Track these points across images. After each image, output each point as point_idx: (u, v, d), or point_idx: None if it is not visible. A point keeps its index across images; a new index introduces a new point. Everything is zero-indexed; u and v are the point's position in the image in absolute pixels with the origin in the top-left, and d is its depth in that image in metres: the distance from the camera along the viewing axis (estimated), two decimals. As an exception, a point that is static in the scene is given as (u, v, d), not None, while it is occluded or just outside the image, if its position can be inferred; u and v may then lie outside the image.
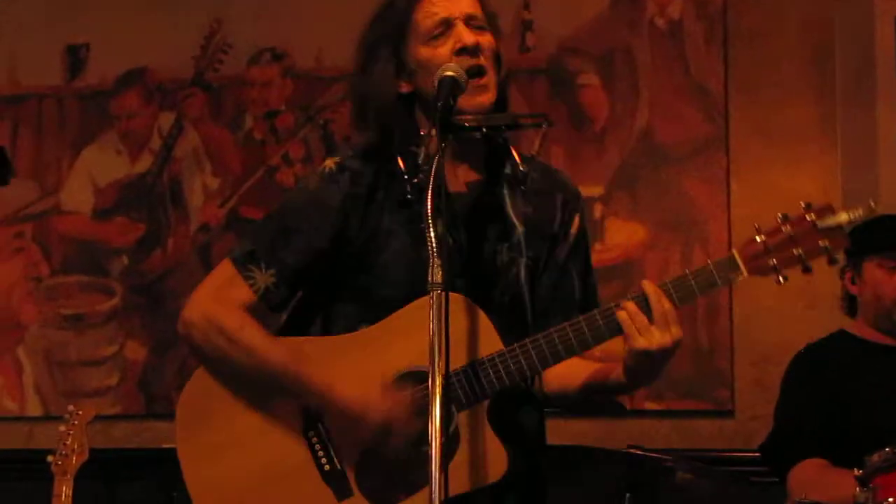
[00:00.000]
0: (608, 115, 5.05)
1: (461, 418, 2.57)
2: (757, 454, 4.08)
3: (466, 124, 2.56)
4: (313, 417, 2.65)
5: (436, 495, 2.21)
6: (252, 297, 2.68)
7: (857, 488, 3.36)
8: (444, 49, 2.64)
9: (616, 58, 5.07)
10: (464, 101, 2.57)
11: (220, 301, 2.69)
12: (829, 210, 2.55)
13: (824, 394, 3.89)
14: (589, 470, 4.16)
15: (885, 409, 3.81)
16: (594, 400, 2.90)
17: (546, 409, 2.83)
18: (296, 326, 2.77)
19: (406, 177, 2.64)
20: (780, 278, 2.55)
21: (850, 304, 4.08)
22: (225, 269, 2.72)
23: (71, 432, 3.98)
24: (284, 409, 2.67)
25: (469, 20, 2.66)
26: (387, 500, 2.61)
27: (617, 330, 2.54)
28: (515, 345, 2.56)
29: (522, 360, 2.56)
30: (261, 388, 2.67)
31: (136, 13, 5.40)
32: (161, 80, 5.40)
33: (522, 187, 2.74)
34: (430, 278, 2.30)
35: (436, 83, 2.53)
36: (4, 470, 5.13)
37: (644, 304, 2.53)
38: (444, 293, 2.29)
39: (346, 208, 2.68)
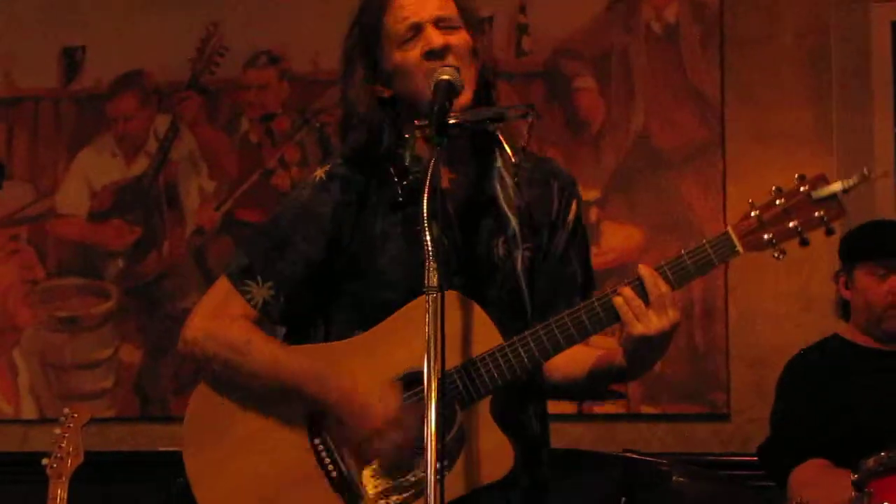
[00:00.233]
0: (604, 118, 5.05)
1: (464, 416, 2.57)
2: (753, 457, 4.08)
3: (450, 122, 2.55)
4: (318, 425, 2.66)
5: (431, 498, 2.21)
6: (251, 311, 2.70)
7: (853, 492, 3.37)
8: (415, 52, 2.65)
9: (612, 61, 5.08)
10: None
11: (220, 317, 2.71)
12: (822, 180, 2.51)
13: (819, 398, 3.89)
14: (585, 474, 4.15)
15: (878, 413, 3.82)
16: (599, 388, 2.87)
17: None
18: (298, 335, 2.77)
19: (396, 180, 2.64)
20: (777, 253, 2.52)
21: (844, 309, 4.09)
22: (222, 286, 2.75)
23: (66, 435, 3.98)
24: (289, 418, 2.67)
25: (438, 22, 2.66)
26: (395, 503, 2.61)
27: (615, 317, 2.53)
28: (515, 338, 2.56)
29: (522, 353, 2.55)
30: (265, 396, 2.68)
31: (133, 16, 5.39)
32: (157, 83, 5.40)
33: (515, 179, 2.73)
34: (425, 282, 2.31)
35: (432, 86, 2.54)
36: (-1, 472, 5.13)
37: (640, 289, 2.51)
38: (439, 296, 2.30)
39: (337, 216, 2.69)
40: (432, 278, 2.31)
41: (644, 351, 2.56)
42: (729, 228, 2.52)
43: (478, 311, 2.58)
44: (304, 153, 5.27)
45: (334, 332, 2.72)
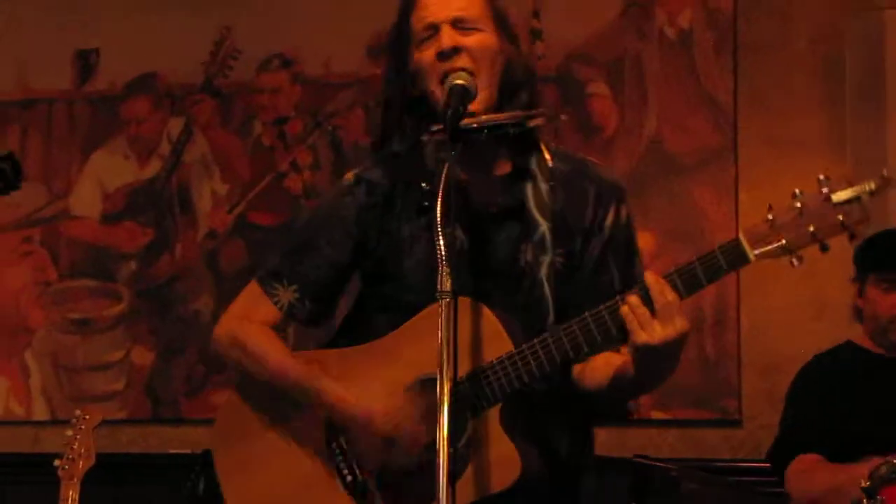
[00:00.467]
0: (617, 123, 5.05)
1: (474, 424, 2.56)
2: (764, 464, 4.07)
3: (471, 125, 2.54)
4: (335, 429, 2.68)
5: (443, 501, 2.21)
6: (277, 313, 2.76)
7: (865, 500, 3.36)
8: (430, 53, 2.65)
9: (625, 67, 5.07)
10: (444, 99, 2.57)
11: (245, 318, 2.78)
12: (844, 183, 2.36)
13: (829, 403, 3.89)
14: (596, 479, 4.15)
15: (889, 420, 3.81)
16: (621, 398, 2.81)
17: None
18: (347, 337, 2.80)
19: (423, 184, 2.63)
20: (794, 260, 2.37)
21: (859, 314, 4.09)
22: (251, 289, 2.81)
23: (77, 437, 3.98)
24: (309, 421, 2.70)
25: (457, 23, 2.64)
26: None
27: (622, 324, 2.47)
28: (524, 345, 2.54)
29: (531, 361, 2.52)
30: (284, 402, 2.72)
31: (147, 19, 5.41)
32: (170, 86, 5.41)
33: (551, 182, 2.69)
34: (438, 286, 2.31)
35: (446, 91, 2.54)
36: (11, 474, 5.13)
37: (647, 297, 2.44)
38: (452, 301, 2.30)
39: (361, 220, 2.71)
40: (445, 283, 2.31)
41: (649, 361, 2.49)
42: (740, 234, 2.41)
43: (489, 317, 2.57)
44: (316, 156, 5.27)
45: (372, 333, 2.73)
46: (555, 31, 5.12)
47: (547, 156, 2.73)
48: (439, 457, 2.24)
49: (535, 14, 5.12)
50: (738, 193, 4.93)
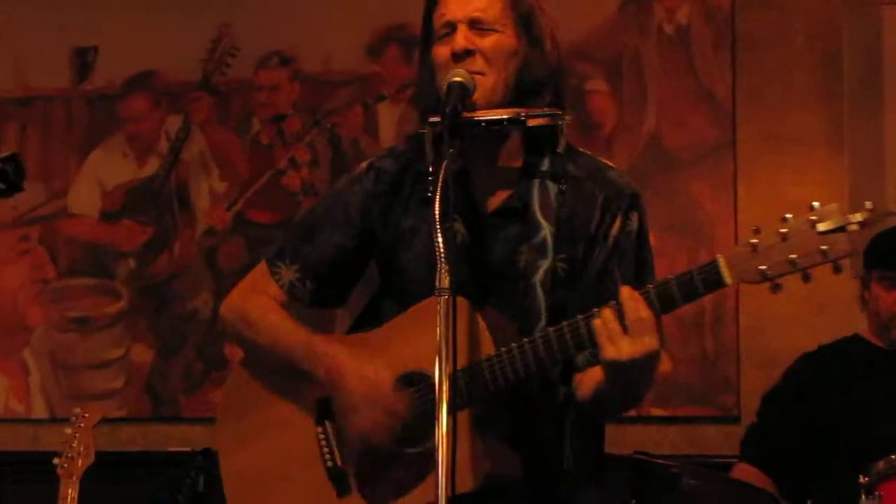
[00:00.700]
0: (616, 120, 5.05)
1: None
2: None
3: (469, 120, 2.54)
4: (325, 412, 2.69)
5: (442, 499, 2.20)
6: (279, 291, 2.79)
7: (863, 496, 3.36)
8: (445, 51, 2.65)
9: (624, 63, 5.07)
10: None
11: (250, 294, 2.82)
12: (833, 212, 2.27)
13: (812, 402, 3.92)
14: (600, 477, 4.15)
15: (890, 414, 3.82)
16: (606, 413, 2.76)
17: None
18: (367, 321, 2.80)
19: (430, 177, 2.62)
20: (773, 287, 2.31)
21: (866, 307, 4.11)
22: (259, 268, 2.85)
23: (77, 435, 3.98)
24: (301, 402, 2.72)
25: (474, 23, 2.64)
26: (378, 501, 2.62)
27: (594, 337, 2.43)
28: (503, 349, 2.50)
29: (508, 366, 2.49)
30: (284, 378, 2.74)
31: (144, 16, 5.40)
32: (169, 84, 5.40)
33: (562, 185, 2.67)
34: (437, 283, 2.31)
35: (445, 88, 2.54)
36: (10, 472, 5.14)
37: (620, 311, 2.40)
38: (450, 298, 2.29)
39: (368, 207, 2.73)
40: (443, 280, 2.31)
41: (618, 377, 2.45)
42: (719, 256, 2.35)
43: (475, 318, 2.54)
44: (314, 154, 5.27)
45: (380, 322, 2.74)
46: (553, 28, 5.10)
47: (564, 158, 2.69)
48: (439, 454, 2.23)
49: (534, 11, 5.11)
50: (736, 189, 4.93)
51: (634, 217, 2.68)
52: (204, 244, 5.30)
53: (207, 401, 5.09)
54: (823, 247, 2.27)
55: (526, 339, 2.50)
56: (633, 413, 4.79)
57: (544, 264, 2.62)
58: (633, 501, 3.88)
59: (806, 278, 2.30)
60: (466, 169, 2.61)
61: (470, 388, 2.51)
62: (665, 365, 2.65)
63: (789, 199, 4.76)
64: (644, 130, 5.03)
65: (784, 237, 2.29)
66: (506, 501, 2.56)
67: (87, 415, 4.03)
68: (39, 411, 5.34)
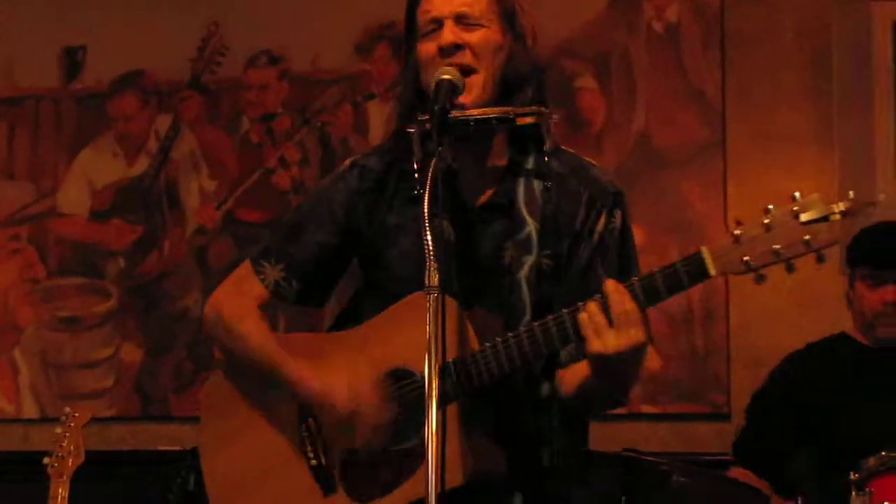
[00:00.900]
0: (605, 118, 5.05)
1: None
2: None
3: (456, 117, 2.53)
4: (307, 412, 2.69)
5: (432, 495, 2.20)
6: (264, 291, 2.78)
7: (854, 492, 3.37)
8: (432, 46, 2.64)
9: (613, 61, 5.08)
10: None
11: (233, 295, 2.81)
12: (816, 202, 2.28)
13: (812, 396, 3.92)
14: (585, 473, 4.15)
15: (878, 412, 3.83)
16: (592, 408, 2.76)
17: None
18: (349, 319, 2.80)
19: (416, 174, 2.62)
20: (758, 278, 2.31)
21: (851, 305, 4.11)
22: (243, 267, 2.84)
23: (67, 434, 3.97)
24: (284, 401, 2.72)
25: (460, 18, 2.64)
26: (364, 499, 2.62)
27: (580, 331, 2.43)
28: (487, 344, 2.50)
29: (493, 361, 2.50)
30: (264, 380, 2.73)
31: (133, 15, 5.40)
32: (158, 83, 5.40)
33: (547, 183, 2.68)
34: (426, 281, 2.30)
35: (433, 85, 2.54)
36: (0, 472, 5.12)
37: (607, 305, 2.39)
38: (439, 296, 2.29)
39: (352, 205, 2.72)
40: (433, 278, 2.31)
41: (604, 370, 2.44)
42: (703, 248, 2.35)
43: (460, 315, 2.54)
44: (304, 152, 5.27)
45: (365, 317, 2.74)
46: (542, 25, 5.09)
47: (547, 155, 2.70)
48: (428, 451, 2.23)
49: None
50: (726, 187, 4.94)
51: (618, 214, 2.69)
52: (194, 243, 5.30)
53: (197, 400, 5.03)
54: (806, 237, 2.26)
55: (511, 334, 2.50)
56: (622, 410, 4.77)
57: (529, 260, 2.63)
58: (623, 499, 3.88)
59: (790, 269, 2.29)
60: (452, 167, 2.61)
61: (455, 384, 2.51)
62: (654, 363, 2.63)
63: (779, 196, 4.73)
64: (633, 128, 5.03)
65: (767, 228, 2.29)
66: (490, 498, 2.57)
67: (76, 414, 4.02)
68: (29, 411, 5.34)
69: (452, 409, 2.51)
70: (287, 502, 2.70)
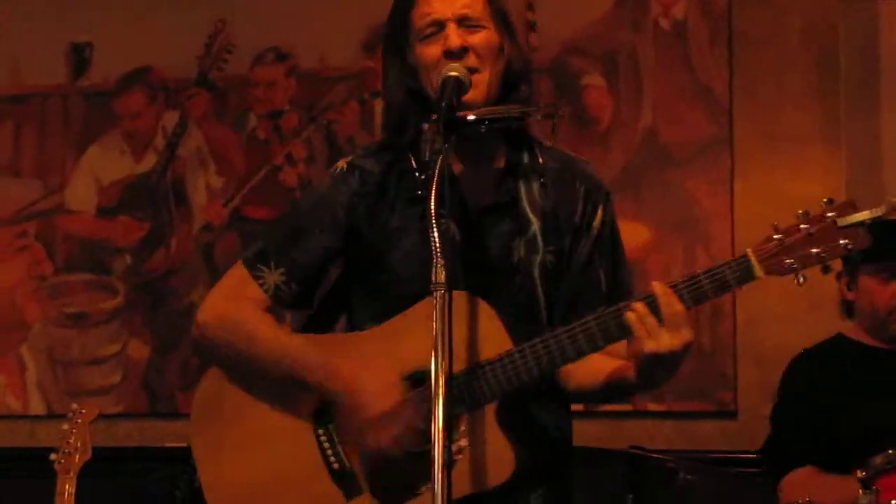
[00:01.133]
0: (612, 115, 5.05)
1: (469, 420, 2.55)
2: (759, 455, 4.09)
3: (469, 118, 2.54)
4: (323, 416, 2.67)
5: (439, 496, 2.20)
6: (263, 296, 2.73)
7: (860, 490, 3.37)
8: (435, 49, 2.64)
9: (620, 58, 5.07)
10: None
11: (233, 300, 2.74)
12: (850, 207, 2.48)
13: (820, 399, 3.89)
14: (591, 470, 4.15)
15: (882, 411, 3.81)
16: (613, 399, 2.85)
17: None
18: (319, 325, 2.80)
19: (416, 174, 2.63)
20: (800, 278, 2.47)
21: (848, 307, 4.08)
22: (236, 271, 2.78)
23: (74, 431, 3.98)
24: (295, 406, 2.68)
25: (462, 20, 2.65)
26: (394, 500, 2.60)
27: (626, 331, 2.50)
28: (525, 345, 2.54)
29: (531, 361, 2.53)
30: (274, 385, 2.69)
31: (140, 12, 5.40)
32: (165, 80, 5.40)
33: (542, 179, 2.71)
34: (433, 278, 2.30)
35: (439, 83, 2.55)
36: (8, 468, 5.14)
37: (654, 305, 2.48)
38: (447, 293, 2.29)
39: (354, 207, 2.70)
40: (439, 275, 2.30)
41: (654, 369, 2.53)
42: (749, 251, 2.48)
43: (489, 313, 2.57)
44: (311, 150, 5.27)
45: (356, 323, 2.75)
46: (549, 23, 5.12)
47: (538, 152, 2.73)
48: (435, 450, 2.22)
49: (530, 6, 5.12)
50: (733, 185, 4.93)
51: (610, 210, 2.77)
52: (201, 240, 5.31)
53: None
54: (843, 241, 2.46)
55: (549, 335, 2.54)
56: (628, 407, 4.81)
57: (537, 258, 2.67)
58: (630, 496, 3.89)
59: (825, 270, 2.48)
60: (452, 169, 2.60)
61: (493, 384, 2.53)
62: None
63: (786, 195, 4.77)
64: (640, 126, 5.03)
65: (809, 233, 2.47)
66: (511, 496, 2.58)
67: (83, 411, 4.03)
68: (37, 407, 5.35)
69: (491, 408, 2.55)
70: None
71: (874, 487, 3.34)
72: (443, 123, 2.44)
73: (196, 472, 2.71)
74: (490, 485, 2.53)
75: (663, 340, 2.46)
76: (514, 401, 2.59)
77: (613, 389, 2.68)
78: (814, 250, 2.46)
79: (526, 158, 2.72)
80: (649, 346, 2.47)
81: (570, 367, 2.63)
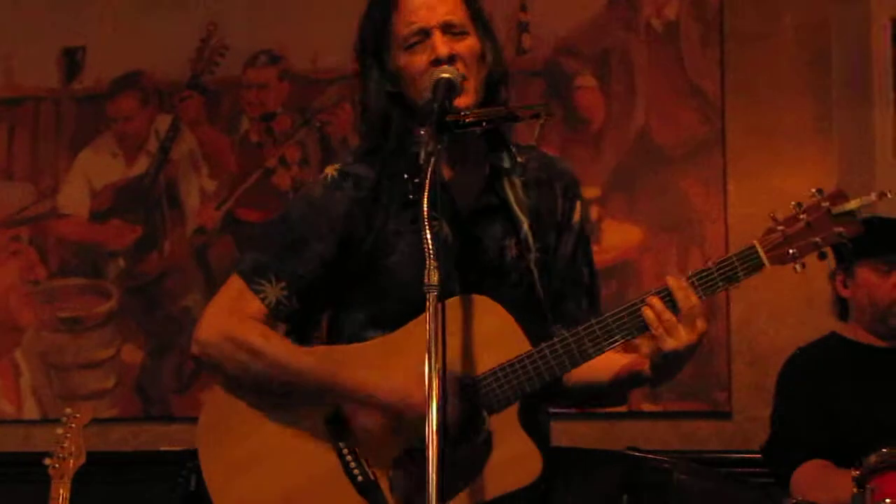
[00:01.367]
0: (604, 116, 5.05)
1: (493, 422, 2.56)
2: (754, 455, 4.09)
3: (466, 121, 2.55)
4: (340, 428, 2.64)
5: (433, 495, 2.20)
6: (264, 310, 2.68)
7: (855, 489, 3.37)
8: (422, 58, 2.64)
9: (612, 59, 5.07)
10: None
11: (235, 315, 2.68)
12: (841, 197, 2.63)
13: (818, 396, 3.89)
14: (587, 471, 4.15)
15: (877, 410, 3.81)
16: (619, 395, 2.86)
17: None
18: (298, 338, 2.76)
19: (407, 177, 2.63)
20: (798, 266, 2.60)
21: (842, 307, 4.08)
22: (234, 284, 2.72)
23: (68, 435, 3.98)
24: (309, 421, 2.64)
25: (447, 28, 2.65)
26: None
27: (644, 328, 2.56)
28: (543, 344, 2.56)
29: (552, 360, 2.56)
30: (286, 401, 2.66)
31: (133, 16, 5.40)
32: (158, 83, 5.40)
33: (522, 179, 2.72)
34: (426, 280, 2.29)
35: (431, 84, 2.54)
36: (1, 473, 5.13)
37: (669, 300, 2.54)
38: (439, 294, 2.28)
39: (351, 214, 2.68)
40: (432, 277, 2.29)
41: (673, 363, 2.60)
42: (755, 243, 2.60)
43: (502, 314, 2.58)
44: (304, 152, 5.27)
45: (346, 331, 2.72)
46: (542, 24, 5.12)
47: (514, 152, 2.74)
48: (429, 451, 2.22)
49: (522, 7, 5.12)
50: (726, 184, 4.93)
51: (584, 203, 2.85)
52: (194, 243, 5.30)
53: (198, 400, 5.07)
54: (839, 229, 2.62)
55: (569, 332, 2.58)
56: (623, 409, 4.80)
57: (532, 256, 2.69)
58: (625, 497, 3.88)
59: (822, 256, 2.63)
60: (442, 173, 2.57)
61: (515, 385, 2.56)
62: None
63: (779, 194, 4.76)
64: (633, 126, 5.03)
65: (807, 223, 2.61)
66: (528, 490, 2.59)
67: (78, 415, 4.03)
68: (31, 412, 5.34)
69: (513, 409, 2.57)
70: None
71: (869, 486, 3.34)
72: (436, 125, 2.44)
73: (190, 476, 2.67)
74: (514, 487, 2.55)
75: (682, 336, 2.54)
76: (529, 402, 2.61)
77: (622, 385, 2.74)
78: (814, 239, 2.61)
79: (507, 159, 2.73)
80: (669, 343, 2.54)
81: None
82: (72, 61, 5.47)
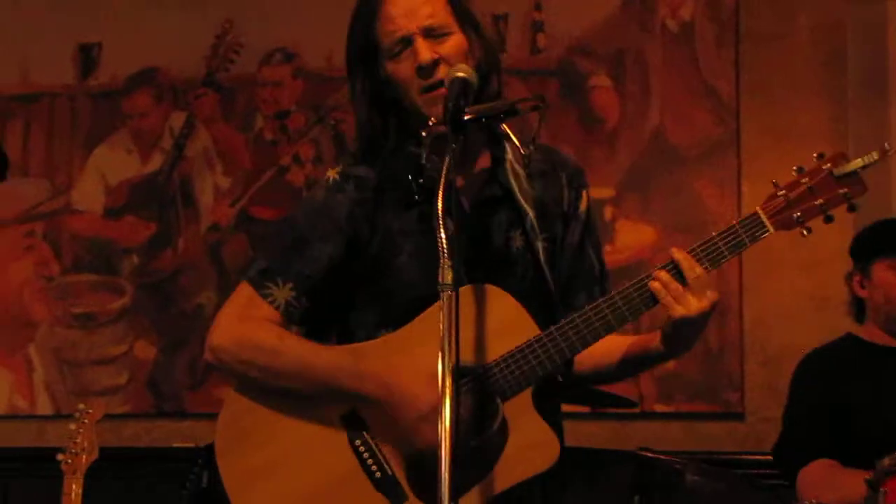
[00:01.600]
0: (619, 116, 5.05)
1: (507, 408, 2.56)
2: (767, 456, 4.08)
3: (465, 118, 2.55)
4: (357, 425, 2.63)
5: (445, 494, 2.20)
6: (275, 313, 2.68)
7: (864, 491, 3.36)
8: (407, 65, 2.64)
9: (627, 59, 5.07)
10: (427, 110, 2.60)
11: (247, 321, 2.68)
12: (842, 157, 2.61)
13: (830, 398, 3.88)
14: (598, 472, 4.15)
15: (892, 411, 3.81)
16: (629, 375, 2.86)
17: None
18: (313, 337, 2.75)
19: (410, 178, 2.63)
20: (804, 231, 2.59)
21: (858, 308, 4.07)
22: (243, 291, 2.72)
23: (81, 431, 3.99)
24: (326, 420, 2.64)
25: (428, 32, 2.64)
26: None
27: (652, 301, 2.56)
28: (552, 328, 2.56)
29: (562, 343, 2.56)
30: (299, 399, 2.65)
31: (148, 13, 5.41)
32: (173, 80, 5.41)
33: (527, 171, 2.73)
34: (440, 279, 2.29)
35: (447, 84, 2.54)
36: (15, 468, 5.15)
37: (675, 272, 2.56)
38: (454, 294, 2.28)
39: (354, 215, 2.68)
40: (447, 276, 2.29)
41: (685, 332, 2.61)
42: (758, 209, 2.61)
43: (512, 302, 2.58)
44: (318, 150, 5.28)
45: (358, 332, 2.71)
46: (556, 24, 5.12)
47: (518, 144, 2.73)
48: (441, 449, 2.21)
49: (537, 7, 5.12)
50: (740, 185, 4.93)
51: (588, 194, 2.84)
52: (208, 240, 5.31)
53: (211, 397, 5.09)
54: (843, 190, 2.58)
55: (576, 314, 2.58)
56: (636, 410, 4.80)
57: (538, 245, 2.70)
58: (637, 497, 3.88)
59: (828, 220, 2.59)
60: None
61: (526, 370, 2.55)
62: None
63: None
64: (647, 126, 5.03)
65: (809, 186, 2.59)
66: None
67: (90, 411, 4.04)
68: (44, 408, 5.35)
69: (526, 395, 2.57)
70: None
71: (882, 489, 3.33)
72: (451, 125, 2.44)
73: (202, 472, 2.66)
74: (532, 472, 2.54)
75: (692, 304, 2.55)
76: (544, 387, 2.60)
77: (631, 364, 2.74)
78: (817, 202, 2.58)
79: (509, 151, 2.74)
80: (678, 311, 2.55)
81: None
82: (87, 58, 5.49)
